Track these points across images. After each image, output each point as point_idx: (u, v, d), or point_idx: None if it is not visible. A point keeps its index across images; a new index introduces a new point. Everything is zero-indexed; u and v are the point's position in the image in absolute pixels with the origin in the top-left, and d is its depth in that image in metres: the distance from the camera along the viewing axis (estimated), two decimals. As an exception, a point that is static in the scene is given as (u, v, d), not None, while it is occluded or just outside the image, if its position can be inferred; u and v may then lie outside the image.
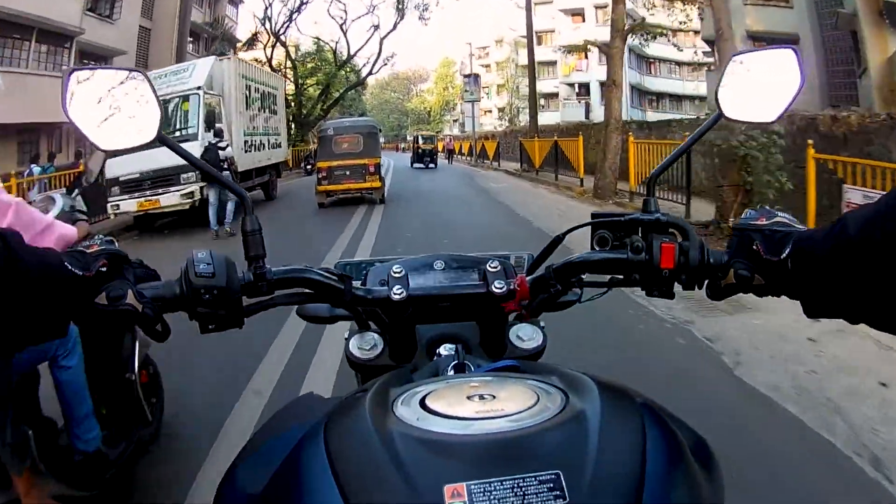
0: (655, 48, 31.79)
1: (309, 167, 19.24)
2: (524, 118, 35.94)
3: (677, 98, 35.22)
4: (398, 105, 63.12)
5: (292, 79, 27.79)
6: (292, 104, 27.62)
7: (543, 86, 35.68)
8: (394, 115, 62.55)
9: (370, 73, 29.02)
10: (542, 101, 37.40)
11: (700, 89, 31.62)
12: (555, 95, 38.23)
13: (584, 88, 35.70)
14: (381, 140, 11.35)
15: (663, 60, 33.14)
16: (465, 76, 28.68)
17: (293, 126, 28.27)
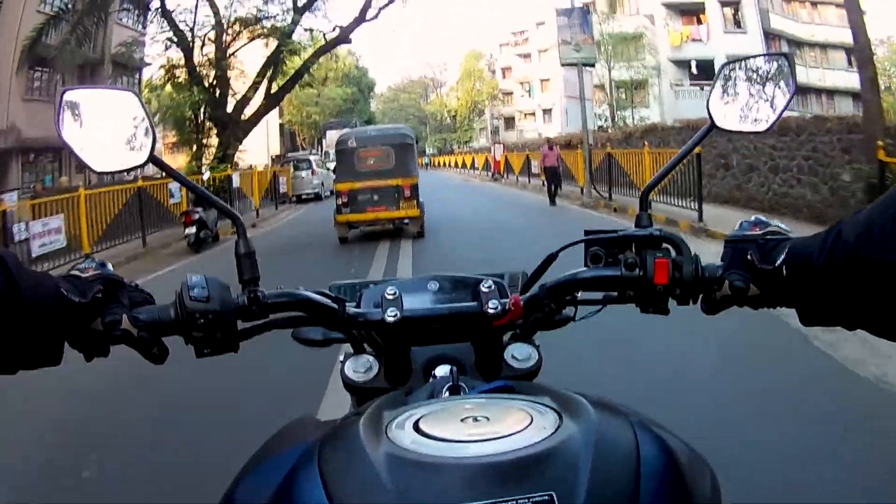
0: (779, 22, 30.21)
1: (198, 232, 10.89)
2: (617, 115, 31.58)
3: (813, 91, 31.98)
4: (414, 110, 63.88)
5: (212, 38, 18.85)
6: (206, 82, 18.59)
7: (623, 71, 31.74)
8: (409, 123, 64.26)
9: (362, 19, 19.60)
10: (620, 93, 32.70)
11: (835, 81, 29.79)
12: (642, 84, 33.33)
13: (704, 69, 30.08)
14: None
15: (791, 41, 30.90)
16: (564, 10, 16.22)
17: (207, 127, 19.39)
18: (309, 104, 47.94)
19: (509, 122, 58.63)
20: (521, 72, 55.02)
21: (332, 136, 36.50)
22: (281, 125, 50.25)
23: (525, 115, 55.87)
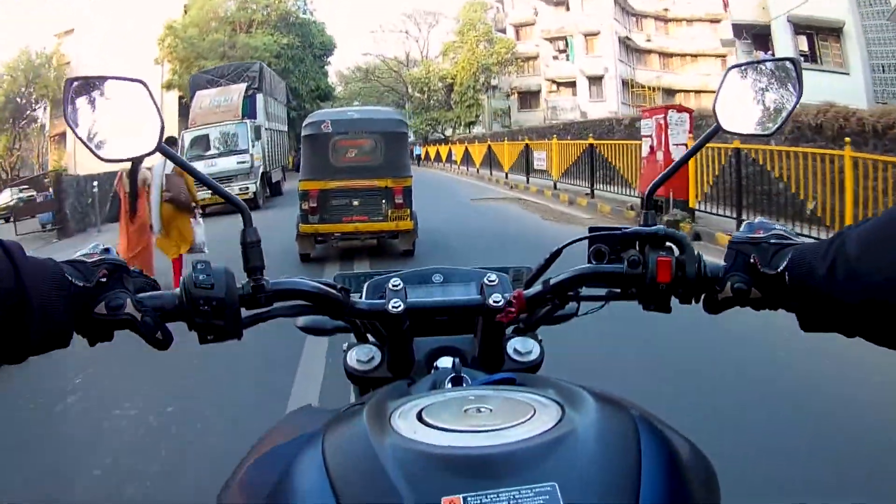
0: None
1: None
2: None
3: None
4: (391, 81, 62.84)
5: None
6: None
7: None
8: (382, 103, 61.15)
9: None
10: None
11: None
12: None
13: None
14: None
15: None
16: None
17: None
18: (209, 56, 44.37)
19: (526, 98, 56.92)
20: (553, 24, 54.25)
21: (205, 98, 28.73)
22: (181, 98, 45.24)
23: (558, 84, 54.74)
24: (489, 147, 32.80)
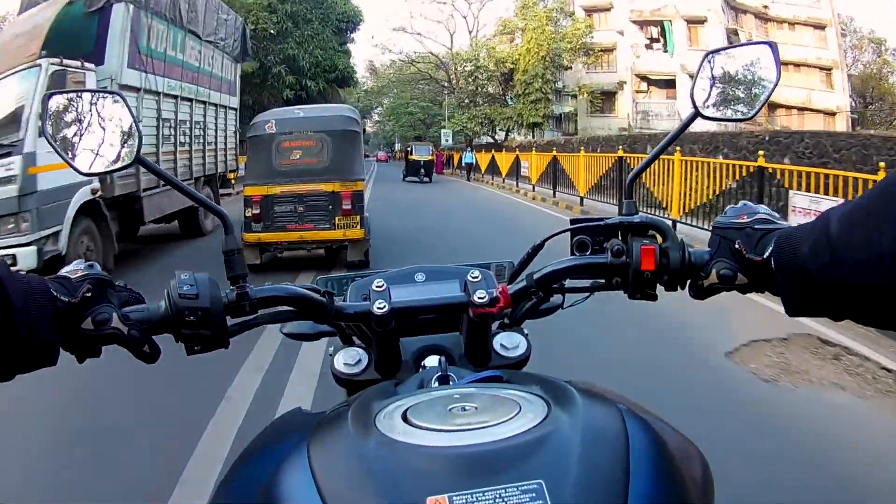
0: None
1: None
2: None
3: None
4: (428, 68, 60.73)
5: None
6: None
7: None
8: (416, 101, 60.09)
9: None
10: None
11: None
12: None
13: None
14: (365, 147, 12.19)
15: None
16: None
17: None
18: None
19: (598, 99, 53.54)
20: (644, 4, 52.45)
21: (11, 27, 15.06)
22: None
23: (649, 83, 52.76)
24: (620, 160, 21.78)
